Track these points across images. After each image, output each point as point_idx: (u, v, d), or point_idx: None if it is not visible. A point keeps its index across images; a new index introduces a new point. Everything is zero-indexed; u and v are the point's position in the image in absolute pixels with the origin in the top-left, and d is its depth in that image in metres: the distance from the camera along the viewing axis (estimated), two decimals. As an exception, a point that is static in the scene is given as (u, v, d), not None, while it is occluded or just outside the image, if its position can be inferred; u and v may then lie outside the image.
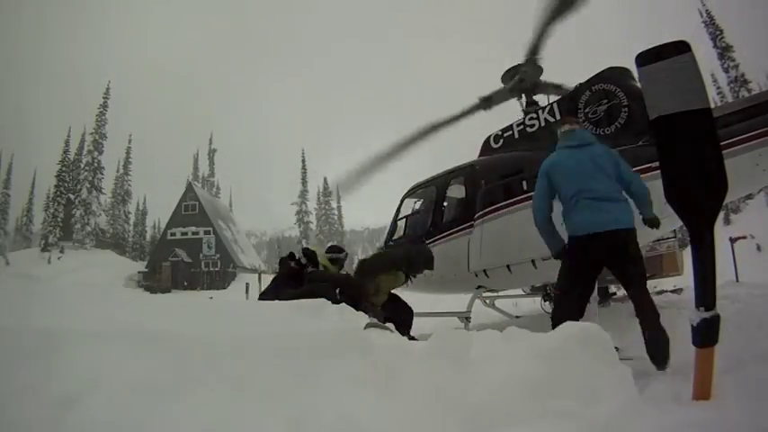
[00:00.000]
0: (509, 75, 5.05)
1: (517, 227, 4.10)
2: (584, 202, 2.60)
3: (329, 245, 5.04)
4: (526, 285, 5.36)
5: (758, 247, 16.65)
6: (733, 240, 7.33)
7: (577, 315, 2.58)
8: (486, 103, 5.23)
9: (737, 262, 7.06)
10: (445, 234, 4.66)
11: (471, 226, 4.44)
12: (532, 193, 4.05)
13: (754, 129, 3.48)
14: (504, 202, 4.22)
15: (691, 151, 1.34)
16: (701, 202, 1.33)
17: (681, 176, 1.35)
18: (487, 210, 4.33)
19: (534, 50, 4.65)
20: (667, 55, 1.38)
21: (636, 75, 4.13)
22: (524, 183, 4.14)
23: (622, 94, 4.05)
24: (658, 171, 3.81)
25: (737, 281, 5.89)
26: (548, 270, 4.19)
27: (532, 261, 4.07)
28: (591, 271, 2.74)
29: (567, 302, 2.69)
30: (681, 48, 1.37)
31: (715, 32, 24.21)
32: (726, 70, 23.38)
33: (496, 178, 4.43)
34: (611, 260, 2.66)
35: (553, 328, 3.08)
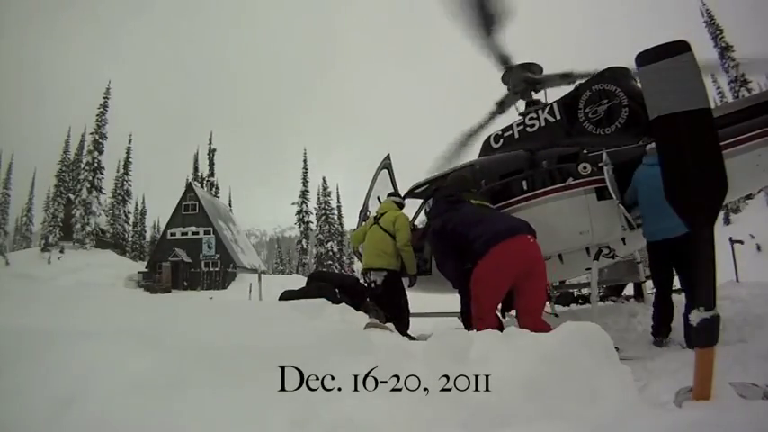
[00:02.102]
0: (508, 75, 5.06)
1: None
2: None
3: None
4: None
5: (758, 247, 16.67)
6: (732, 242, 7.35)
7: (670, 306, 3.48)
8: (501, 107, 5.26)
9: (737, 262, 7.07)
10: None
11: None
12: (532, 193, 4.09)
13: (754, 129, 3.48)
14: (504, 202, 4.21)
15: (691, 151, 1.33)
16: (700, 202, 1.33)
17: (681, 176, 1.35)
18: None
19: (505, 59, 4.69)
20: (667, 55, 1.37)
21: (636, 75, 4.18)
22: (524, 182, 4.13)
23: (623, 94, 4.06)
24: None
25: (737, 281, 5.89)
26: (548, 269, 4.20)
27: None
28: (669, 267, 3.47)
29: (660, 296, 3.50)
30: (681, 48, 1.36)
31: (715, 32, 24.23)
32: (726, 70, 23.39)
33: (496, 178, 4.42)
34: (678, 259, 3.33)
35: (657, 318, 3.47)
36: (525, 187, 4.09)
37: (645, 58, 1.42)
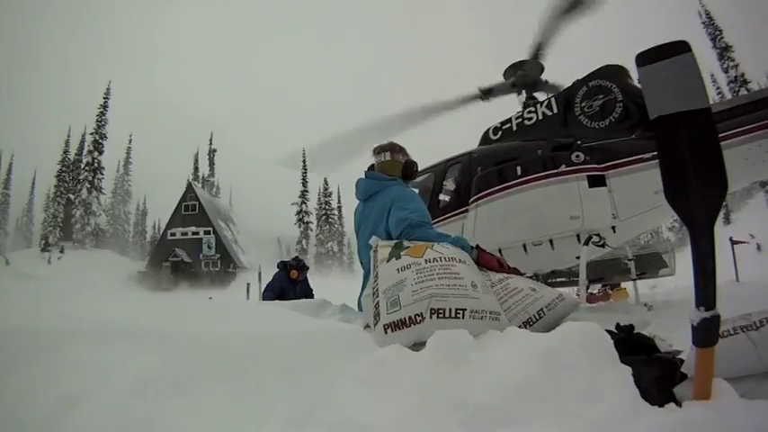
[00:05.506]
0: (512, 70, 5.17)
1: (509, 210, 4.25)
2: None
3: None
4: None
5: (758, 247, 16.66)
6: (733, 243, 7.38)
7: None
8: (486, 94, 5.31)
9: (737, 262, 7.08)
10: (440, 219, 4.70)
11: (466, 211, 4.57)
12: (525, 178, 4.21)
13: (744, 125, 3.62)
14: (498, 187, 4.35)
15: (691, 151, 1.33)
16: (701, 201, 1.33)
17: (681, 176, 1.35)
18: (481, 194, 4.46)
19: (539, 48, 4.77)
20: (667, 55, 1.37)
21: (632, 73, 4.37)
22: (518, 168, 4.27)
23: (618, 90, 4.22)
24: (650, 162, 4.04)
25: (738, 281, 5.90)
26: (538, 256, 4.27)
27: (523, 246, 4.20)
28: None
29: None
30: (681, 48, 1.36)
31: (714, 33, 24.23)
32: (725, 70, 23.42)
33: (492, 165, 4.57)
34: None
35: None
36: (519, 173, 4.24)
37: (645, 58, 1.42)
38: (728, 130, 3.56)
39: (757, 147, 3.59)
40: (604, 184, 3.89)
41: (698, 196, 1.33)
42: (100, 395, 0.98)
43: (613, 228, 3.95)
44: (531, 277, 5.29)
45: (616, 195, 3.91)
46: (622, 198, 3.93)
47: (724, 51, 23.74)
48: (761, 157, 3.62)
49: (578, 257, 3.95)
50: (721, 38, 24.08)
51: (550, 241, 4.09)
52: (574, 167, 3.99)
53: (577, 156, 3.99)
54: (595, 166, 3.94)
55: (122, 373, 1.06)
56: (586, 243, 3.86)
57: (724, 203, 1.50)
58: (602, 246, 3.96)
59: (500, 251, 4.24)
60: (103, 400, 0.97)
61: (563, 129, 4.42)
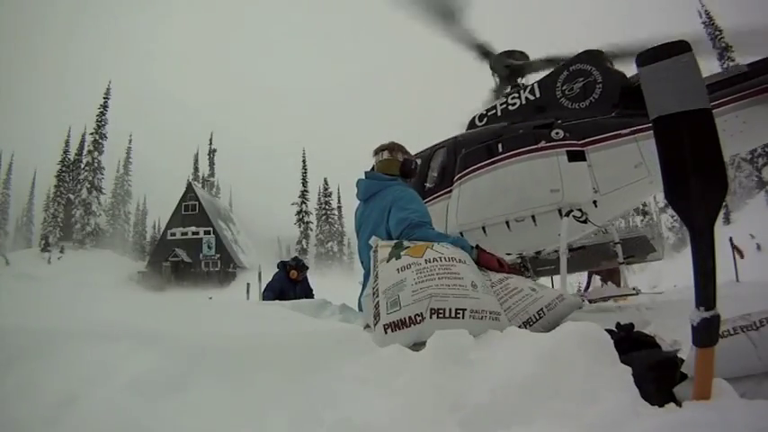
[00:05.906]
0: (514, 55, 5.29)
1: (491, 185, 4.37)
2: None
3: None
4: (504, 251, 5.50)
5: (758, 247, 16.65)
6: (733, 247, 7.41)
7: None
8: (483, 54, 5.37)
9: (737, 262, 7.07)
10: (428, 200, 4.74)
11: (451, 191, 4.68)
12: (507, 154, 4.34)
13: (721, 98, 3.78)
14: (480, 164, 4.47)
15: (691, 151, 1.33)
16: (701, 201, 1.33)
17: (681, 176, 1.35)
18: (464, 171, 4.57)
19: (481, 50, 4.97)
20: (667, 55, 1.37)
21: (610, 57, 4.56)
22: (500, 145, 4.41)
23: (597, 72, 4.42)
24: (628, 137, 4.19)
25: (737, 281, 5.91)
26: (521, 233, 4.34)
27: (506, 223, 4.29)
28: None
29: None
30: (681, 48, 1.36)
31: (714, 33, 24.21)
32: (725, 70, 23.38)
33: (476, 145, 4.72)
34: None
35: None
36: (501, 149, 4.38)
37: (645, 58, 1.42)
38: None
39: (734, 118, 3.75)
40: (584, 159, 4.03)
41: (698, 196, 1.33)
42: (99, 395, 0.98)
43: (595, 202, 4.08)
44: (517, 260, 5.37)
45: (596, 170, 4.07)
46: (602, 172, 4.09)
47: (724, 51, 23.72)
48: (738, 128, 3.77)
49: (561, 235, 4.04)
50: (721, 38, 24.06)
51: (533, 217, 4.19)
52: (554, 143, 4.13)
53: (557, 132, 4.20)
54: (575, 142, 4.10)
55: (121, 372, 1.06)
56: (567, 215, 3.96)
57: (724, 203, 1.51)
58: (585, 221, 4.05)
59: (484, 229, 4.32)
60: (102, 399, 0.97)
61: (546, 112, 4.60)
